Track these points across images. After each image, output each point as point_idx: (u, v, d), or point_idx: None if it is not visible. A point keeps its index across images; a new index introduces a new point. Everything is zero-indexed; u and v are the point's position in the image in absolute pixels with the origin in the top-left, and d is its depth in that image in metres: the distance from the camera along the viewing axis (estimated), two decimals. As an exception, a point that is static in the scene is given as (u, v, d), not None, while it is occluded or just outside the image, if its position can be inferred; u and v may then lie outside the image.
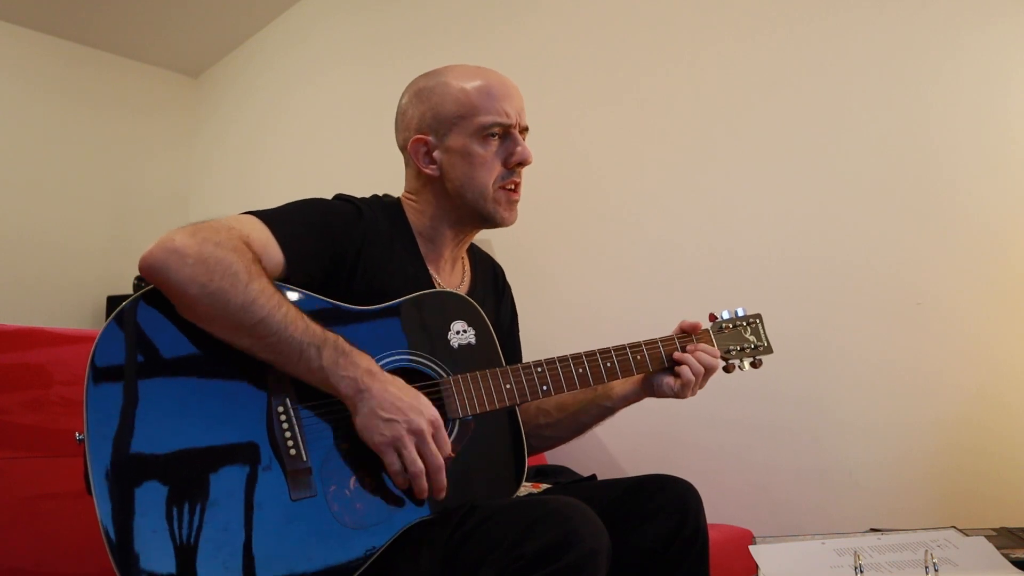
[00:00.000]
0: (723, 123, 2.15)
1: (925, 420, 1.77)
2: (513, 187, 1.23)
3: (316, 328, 0.99)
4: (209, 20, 3.58)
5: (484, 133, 1.19)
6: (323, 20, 3.37)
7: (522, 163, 1.23)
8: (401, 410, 0.98)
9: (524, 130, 1.24)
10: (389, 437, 0.97)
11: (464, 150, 1.19)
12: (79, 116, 3.66)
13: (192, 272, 0.94)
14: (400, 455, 0.98)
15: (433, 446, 0.99)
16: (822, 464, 1.89)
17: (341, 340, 1.00)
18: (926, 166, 1.83)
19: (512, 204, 1.24)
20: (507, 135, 1.22)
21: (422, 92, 1.23)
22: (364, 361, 1.00)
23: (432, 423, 1.00)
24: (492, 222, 1.24)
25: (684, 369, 1.23)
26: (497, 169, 1.21)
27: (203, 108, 4.03)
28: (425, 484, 1.00)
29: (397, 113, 1.27)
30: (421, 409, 0.99)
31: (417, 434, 0.98)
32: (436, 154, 1.21)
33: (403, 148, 1.26)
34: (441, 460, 1.00)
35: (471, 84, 1.20)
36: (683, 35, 2.26)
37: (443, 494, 1.01)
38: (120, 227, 3.71)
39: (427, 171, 1.21)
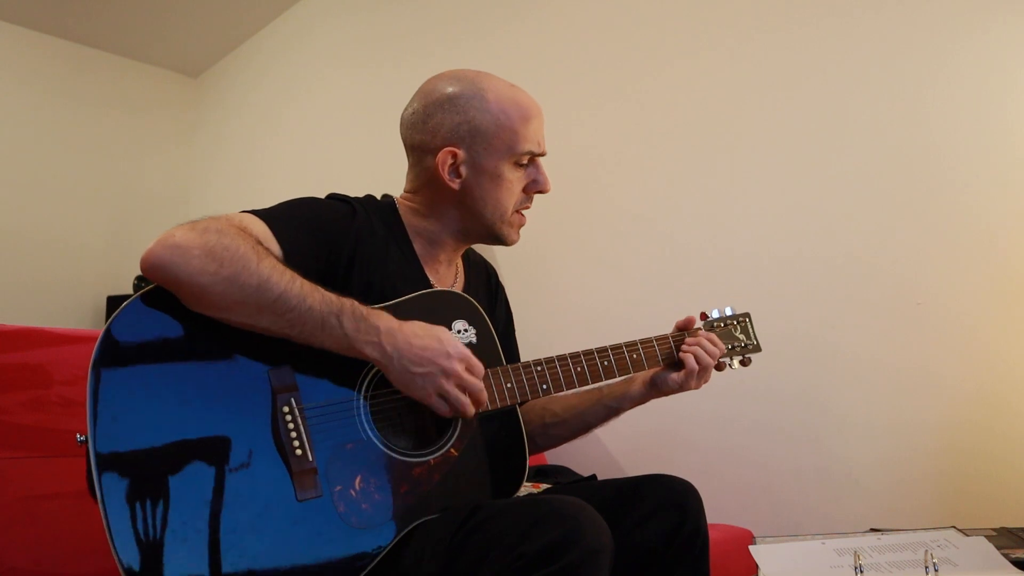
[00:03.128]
0: (724, 123, 2.15)
1: (925, 420, 1.77)
2: (525, 210, 1.26)
3: (331, 296, 1.01)
4: (209, 20, 3.58)
5: (517, 160, 1.20)
6: (323, 20, 3.37)
7: (543, 192, 1.25)
8: (430, 359, 1.01)
9: (544, 155, 1.26)
10: (431, 388, 1.02)
11: (495, 172, 1.19)
12: (79, 116, 3.66)
13: (200, 263, 0.94)
14: (446, 400, 1.03)
15: (470, 378, 1.04)
16: (822, 464, 1.89)
17: (356, 304, 1.02)
18: (927, 166, 1.82)
19: (521, 226, 1.27)
20: (532, 162, 1.23)
21: (456, 100, 1.18)
22: (382, 321, 1.02)
23: (461, 359, 1.04)
24: (500, 242, 1.26)
25: (688, 357, 1.24)
26: (518, 194, 1.23)
27: (203, 108, 4.03)
28: (472, 410, 1.05)
29: (415, 111, 1.22)
30: (448, 351, 1.03)
31: (452, 375, 1.02)
32: (463, 169, 1.18)
33: (415, 147, 1.23)
34: (480, 384, 1.05)
35: (511, 106, 1.19)
36: (683, 35, 2.26)
37: (486, 405, 1.08)
38: (120, 227, 3.71)
39: (451, 185, 1.19)
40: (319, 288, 1.00)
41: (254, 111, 3.71)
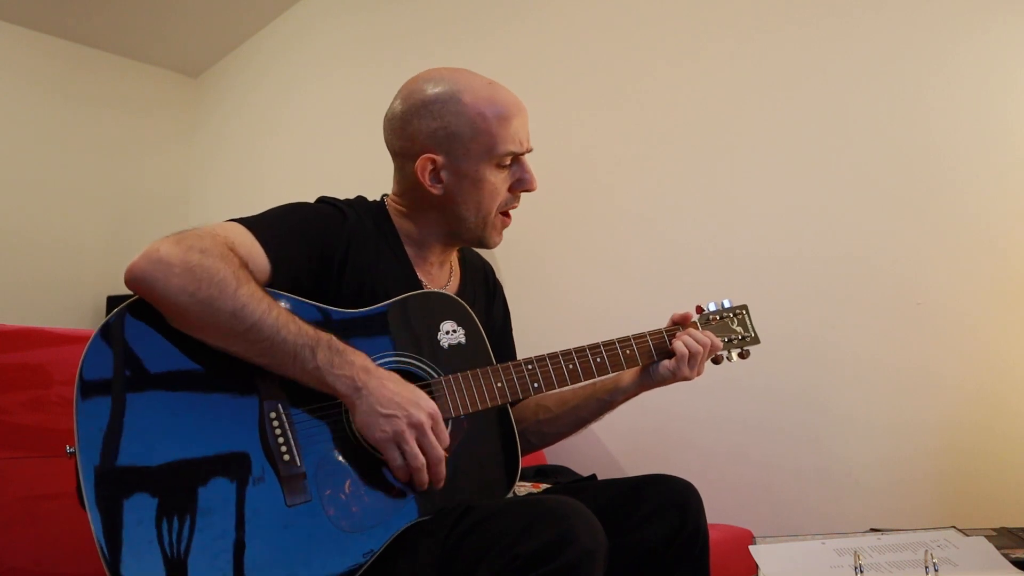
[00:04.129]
0: (724, 123, 2.15)
1: (925, 420, 1.77)
2: (510, 212, 1.24)
3: (308, 329, 0.99)
4: (209, 20, 3.58)
5: (499, 161, 1.18)
6: (323, 20, 3.37)
7: (529, 191, 1.23)
8: (400, 405, 0.98)
9: (529, 152, 1.23)
10: (390, 433, 0.98)
11: (476, 176, 1.17)
12: (79, 116, 3.66)
13: (180, 282, 0.93)
14: (401, 450, 0.99)
15: (433, 438, 1.00)
16: (822, 464, 1.89)
17: (334, 339, 1.00)
18: (927, 166, 1.82)
19: (504, 228, 1.25)
20: (516, 161, 1.21)
21: (431, 105, 1.16)
22: (359, 359, 1.00)
23: (431, 416, 1.00)
24: (482, 245, 1.25)
25: (678, 343, 1.23)
26: (503, 195, 1.21)
27: (203, 108, 4.03)
28: (426, 477, 1.00)
29: (394, 116, 1.21)
30: (419, 403, 1.00)
31: (417, 427, 0.99)
32: (443, 174, 1.17)
33: (396, 153, 1.22)
34: (441, 452, 1.01)
35: (488, 107, 1.16)
36: (683, 35, 2.25)
37: (442, 484, 1.02)
38: (120, 227, 3.71)
39: (432, 191, 1.18)
40: (297, 320, 0.99)
41: (254, 111, 3.71)
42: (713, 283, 2.10)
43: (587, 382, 1.24)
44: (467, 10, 2.80)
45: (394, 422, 0.98)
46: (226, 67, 3.91)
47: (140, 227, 3.74)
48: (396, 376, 1.02)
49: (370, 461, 1.04)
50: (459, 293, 1.28)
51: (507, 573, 0.87)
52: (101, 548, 0.87)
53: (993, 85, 1.75)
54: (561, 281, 2.42)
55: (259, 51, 3.70)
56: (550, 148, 2.40)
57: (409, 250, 1.23)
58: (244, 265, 1.00)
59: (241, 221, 1.08)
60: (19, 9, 3.41)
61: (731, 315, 1.33)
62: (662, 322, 1.31)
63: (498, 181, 1.19)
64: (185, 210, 3.93)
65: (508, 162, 1.19)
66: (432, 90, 1.18)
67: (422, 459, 0.99)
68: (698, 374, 1.26)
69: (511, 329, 1.43)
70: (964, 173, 1.77)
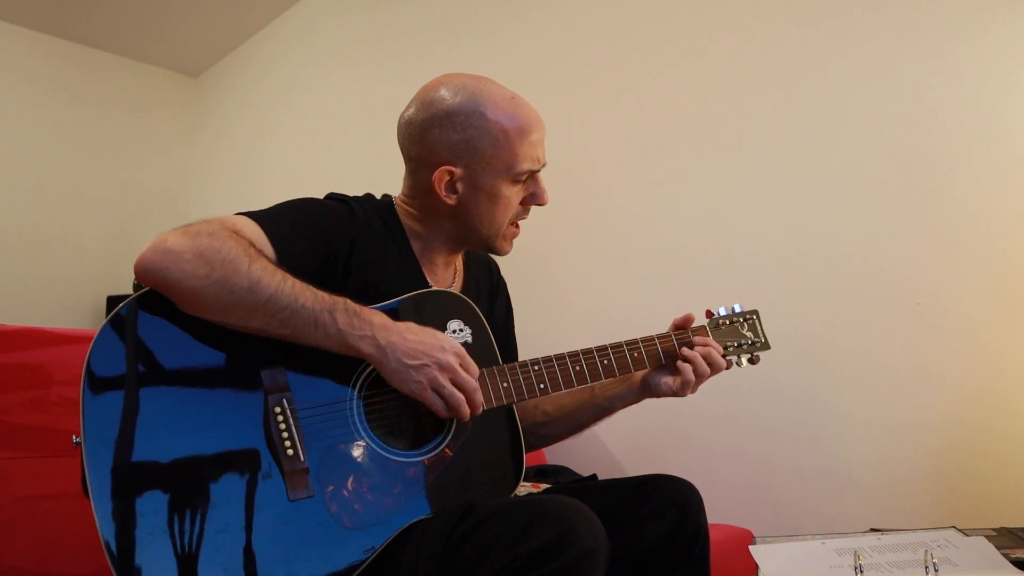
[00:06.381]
0: (724, 123, 2.15)
1: (925, 420, 1.77)
2: (522, 220, 1.25)
3: (323, 294, 1.01)
4: (209, 20, 3.58)
5: (516, 178, 1.18)
6: (323, 20, 3.37)
7: (540, 205, 1.24)
8: (426, 352, 1.02)
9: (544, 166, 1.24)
10: (425, 381, 1.02)
11: (493, 191, 1.17)
12: (79, 116, 3.66)
13: (192, 267, 0.95)
14: (440, 394, 1.03)
15: (464, 374, 1.05)
16: (822, 464, 1.89)
17: (349, 301, 1.02)
18: (927, 166, 1.82)
19: (513, 238, 1.26)
20: (531, 176, 1.21)
21: (454, 117, 1.15)
22: (376, 317, 1.03)
23: (457, 354, 1.05)
24: (493, 252, 1.26)
25: (686, 368, 1.22)
26: (515, 208, 1.22)
27: (203, 108, 4.03)
28: (467, 410, 1.05)
29: (412, 122, 1.19)
30: (443, 345, 1.04)
31: (447, 369, 1.03)
32: (460, 186, 1.17)
33: (411, 158, 1.21)
34: (474, 382, 1.06)
35: (510, 122, 1.15)
36: (683, 35, 2.26)
37: (481, 409, 1.07)
38: (120, 226, 3.72)
39: (447, 201, 1.17)
40: (311, 287, 1.01)
41: (254, 111, 3.71)
42: (713, 283, 2.10)
43: (586, 387, 1.24)
44: (467, 10, 2.80)
45: (425, 371, 1.02)
46: (226, 67, 3.91)
47: (140, 227, 3.74)
48: (413, 325, 1.06)
49: (375, 458, 1.04)
50: (463, 292, 1.28)
51: (508, 572, 0.87)
52: (105, 540, 0.87)
53: (993, 85, 1.75)
54: (561, 281, 2.42)
55: (259, 51, 3.70)
56: (550, 149, 2.39)
57: (416, 249, 1.23)
58: (252, 243, 1.01)
59: (248, 215, 1.08)
60: (19, 9, 3.41)
61: (741, 320, 1.32)
62: (663, 321, 1.31)
63: (512, 195, 1.20)
64: (185, 210, 3.93)
65: (524, 179, 1.20)
66: (454, 101, 1.16)
67: (460, 395, 1.04)
68: (692, 392, 1.25)
69: (514, 326, 1.43)
70: (964, 173, 1.77)
